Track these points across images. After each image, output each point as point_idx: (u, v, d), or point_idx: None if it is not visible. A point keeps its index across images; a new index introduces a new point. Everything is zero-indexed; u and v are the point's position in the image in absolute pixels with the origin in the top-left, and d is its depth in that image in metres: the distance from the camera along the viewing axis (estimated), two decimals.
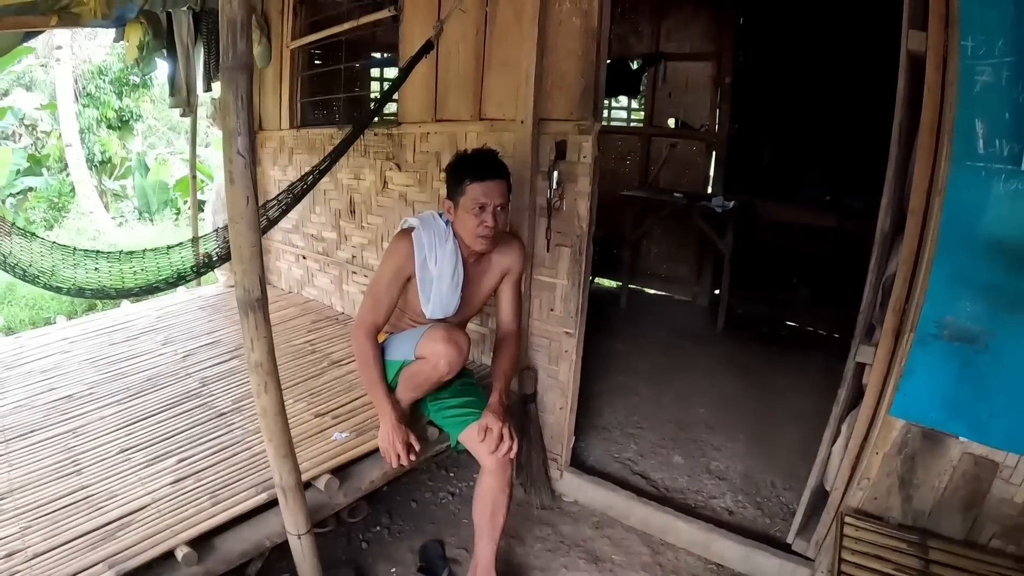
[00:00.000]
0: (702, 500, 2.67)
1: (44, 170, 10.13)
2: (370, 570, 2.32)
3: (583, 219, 2.53)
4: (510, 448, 2.05)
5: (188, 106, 4.11)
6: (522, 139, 2.58)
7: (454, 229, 2.17)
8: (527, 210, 2.62)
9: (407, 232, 2.19)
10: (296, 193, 2.65)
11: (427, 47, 2.62)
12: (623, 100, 5.99)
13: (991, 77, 1.49)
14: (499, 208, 2.08)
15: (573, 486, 2.75)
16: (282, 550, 2.13)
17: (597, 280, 5.61)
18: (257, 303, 1.54)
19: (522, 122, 2.58)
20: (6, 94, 10.97)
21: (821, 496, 2.14)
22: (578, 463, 2.86)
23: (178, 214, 9.95)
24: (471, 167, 2.08)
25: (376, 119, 3.16)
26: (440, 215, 2.21)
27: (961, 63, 1.54)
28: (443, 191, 2.19)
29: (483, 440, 2.05)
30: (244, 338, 1.58)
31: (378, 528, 2.52)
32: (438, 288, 2.17)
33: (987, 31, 1.48)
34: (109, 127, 10.98)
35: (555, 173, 2.53)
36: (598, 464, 2.91)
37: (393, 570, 2.32)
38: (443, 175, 2.33)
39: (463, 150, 2.20)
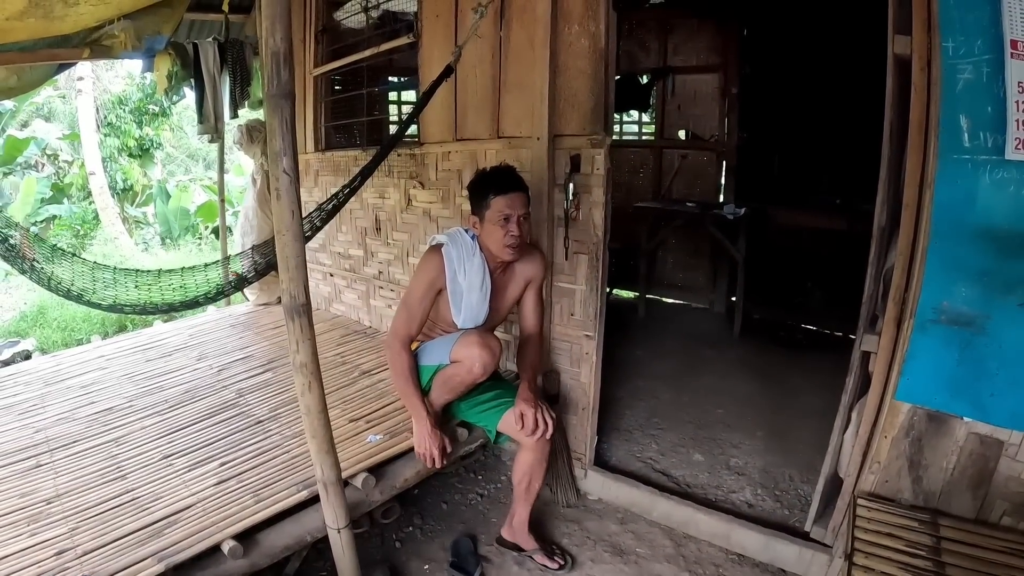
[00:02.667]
0: (722, 495, 2.75)
1: (66, 198, 10.29)
2: (404, 567, 2.41)
3: (598, 227, 2.64)
4: (545, 430, 2.21)
5: (216, 132, 4.27)
6: (539, 155, 2.71)
7: (480, 243, 2.30)
8: (546, 221, 2.74)
9: (437, 248, 2.32)
10: (327, 211, 2.78)
11: (447, 72, 2.77)
12: (634, 114, 6.07)
13: (972, 75, 1.60)
14: (522, 218, 2.22)
15: (597, 484, 2.84)
16: (318, 551, 2.24)
17: (615, 291, 5.69)
18: (303, 308, 1.68)
19: (538, 139, 2.71)
20: (26, 125, 11.19)
21: (836, 484, 2.20)
22: (601, 463, 2.95)
23: (200, 239, 10.10)
24: (493, 182, 2.23)
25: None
26: (466, 231, 2.35)
27: (944, 63, 1.64)
28: (466, 206, 2.31)
29: (521, 428, 2.20)
30: (289, 341, 1.71)
31: (410, 528, 2.62)
32: (468, 299, 2.31)
33: (966, 32, 1.59)
34: (130, 155, 11.18)
35: (571, 185, 2.66)
36: (621, 463, 3.00)
37: (426, 567, 2.41)
38: (465, 192, 2.46)
39: (483, 168, 2.34)
